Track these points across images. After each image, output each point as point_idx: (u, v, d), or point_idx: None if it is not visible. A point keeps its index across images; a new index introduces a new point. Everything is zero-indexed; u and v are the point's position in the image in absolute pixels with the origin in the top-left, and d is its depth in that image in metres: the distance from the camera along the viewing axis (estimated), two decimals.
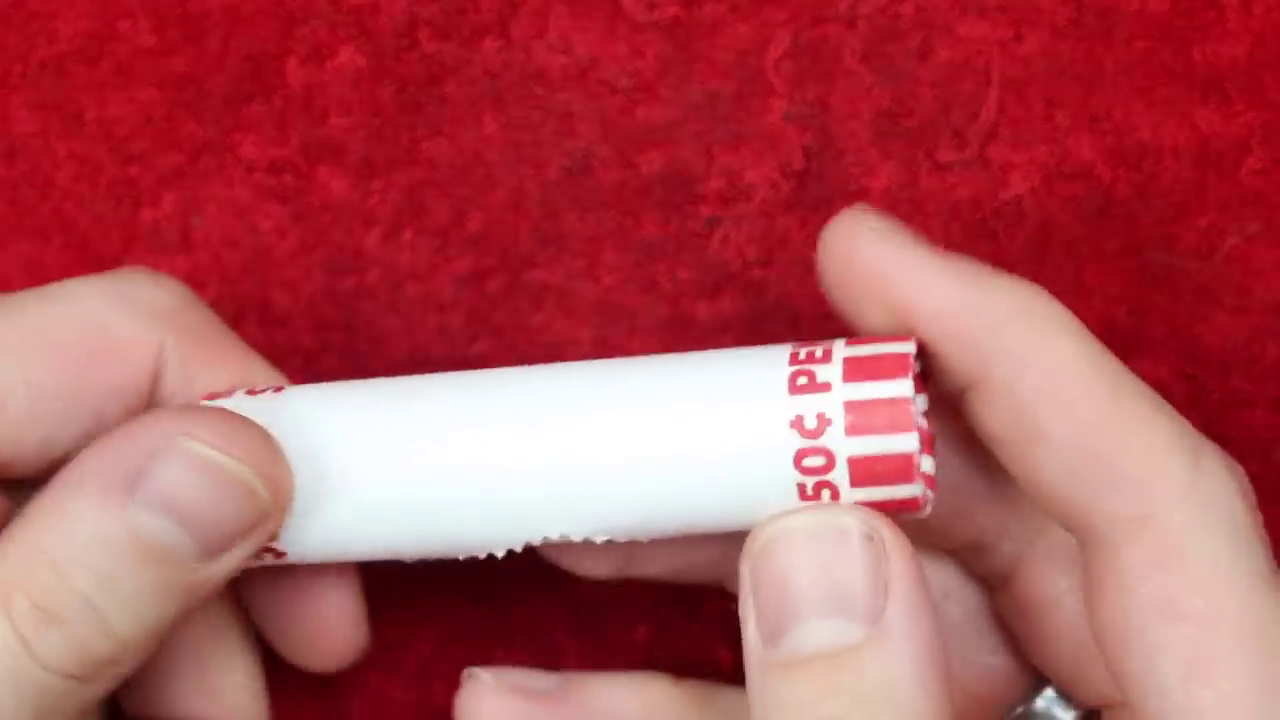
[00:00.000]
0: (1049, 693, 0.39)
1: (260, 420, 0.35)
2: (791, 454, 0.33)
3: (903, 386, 0.33)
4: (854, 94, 0.42)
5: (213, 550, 0.35)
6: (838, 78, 0.42)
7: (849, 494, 0.33)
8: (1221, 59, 0.42)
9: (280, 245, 0.43)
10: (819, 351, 0.34)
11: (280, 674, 0.43)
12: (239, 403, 0.36)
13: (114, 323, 0.38)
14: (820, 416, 0.33)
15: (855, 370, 0.33)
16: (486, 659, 0.43)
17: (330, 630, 0.40)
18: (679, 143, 0.42)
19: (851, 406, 0.33)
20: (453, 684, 0.43)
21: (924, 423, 0.34)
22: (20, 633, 0.34)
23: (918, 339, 0.34)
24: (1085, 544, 0.34)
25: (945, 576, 0.39)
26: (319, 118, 0.43)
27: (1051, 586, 0.37)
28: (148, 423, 0.35)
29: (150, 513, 0.34)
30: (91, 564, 0.34)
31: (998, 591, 0.38)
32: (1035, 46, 0.42)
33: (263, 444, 0.35)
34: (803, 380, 0.33)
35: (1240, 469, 0.34)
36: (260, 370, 0.39)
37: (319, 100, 0.43)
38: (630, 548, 0.38)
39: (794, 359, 0.34)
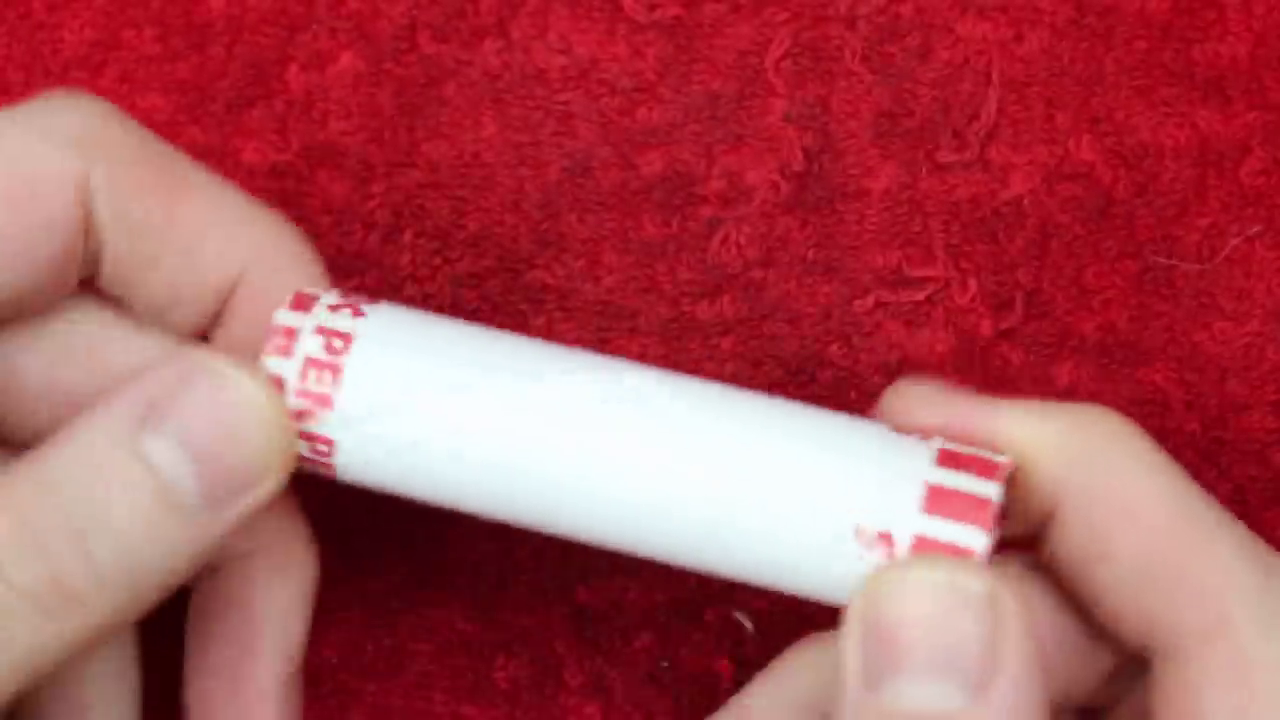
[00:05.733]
0: None
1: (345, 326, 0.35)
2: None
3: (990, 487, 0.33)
4: (854, 94, 0.42)
5: (215, 495, 0.33)
6: (838, 78, 0.42)
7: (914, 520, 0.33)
8: (1222, 59, 0.42)
9: None
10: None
11: None
12: (319, 315, 0.35)
13: (31, 156, 0.35)
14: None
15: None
16: (486, 669, 0.43)
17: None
18: (679, 143, 0.42)
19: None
20: (452, 693, 0.43)
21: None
22: None
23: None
24: (1156, 658, 0.34)
25: None
26: (319, 121, 0.43)
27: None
28: (173, 358, 0.34)
29: (160, 441, 0.33)
30: (87, 488, 0.32)
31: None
32: (1035, 47, 0.42)
33: (277, 401, 0.34)
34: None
35: None
36: (206, 189, 0.36)
37: (319, 104, 0.43)
38: None
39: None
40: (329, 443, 0.35)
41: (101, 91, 0.43)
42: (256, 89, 0.43)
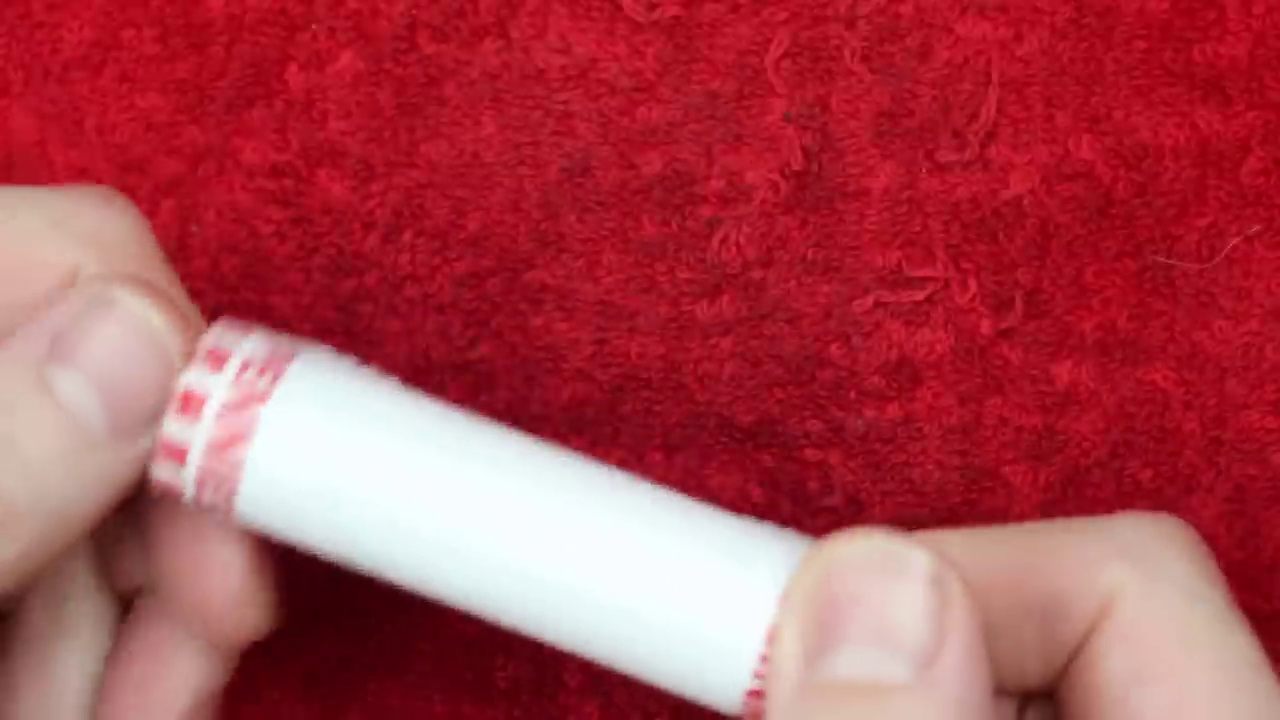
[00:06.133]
0: None
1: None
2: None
3: None
4: (854, 94, 0.42)
5: (121, 425, 0.33)
6: (838, 78, 0.42)
7: None
8: (1222, 59, 0.42)
9: (280, 249, 0.43)
10: None
11: (280, 682, 0.43)
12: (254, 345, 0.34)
13: (34, 239, 0.35)
14: None
15: None
16: (486, 669, 0.43)
17: (221, 598, 0.37)
18: (679, 143, 0.42)
19: None
20: (452, 693, 0.43)
21: None
22: None
23: None
24: (1071, 660, 0.34)
25: None
26: (319, 121, 0.43)
27: None
28: (80, 289, 0.34)
29: (66, 373, 0.33)
30: None
31: None
32: (1035, 46, 0.42)
33: (180, 330, 0.34)
34: None
35: (1178, 521, 0.34)
36: None
37: (319, 104, 0.43)
38: None
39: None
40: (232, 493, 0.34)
41: (101, 91, 0.43)
42: (256, 89, 0.43)
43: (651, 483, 0.34)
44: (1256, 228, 0.42)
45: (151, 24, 0.43)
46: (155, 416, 0.34)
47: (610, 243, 0.42)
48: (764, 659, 0.33)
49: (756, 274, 0.42)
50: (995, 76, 0.42)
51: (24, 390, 0.33)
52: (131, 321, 0.33)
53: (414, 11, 0.43)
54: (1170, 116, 0.42)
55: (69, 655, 0.38)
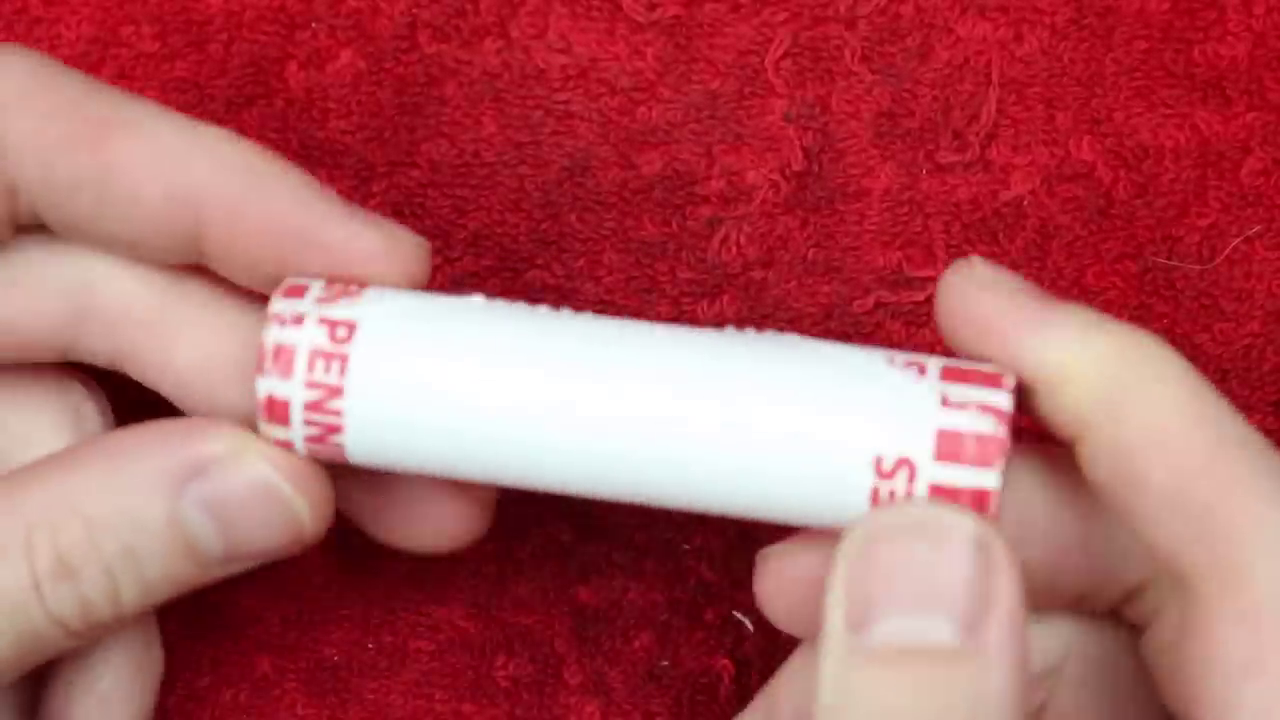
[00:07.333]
0: None
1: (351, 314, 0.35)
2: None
3: (999, 397, 0.33)
4: (854, 94, 0.42)
5: (238, 559, 0.36)
6: (838, 78, 0.42)
7: (929, 468, 0.33)
8: (1222, 60, 0.42)
9: None
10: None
11: (280, 682, 0.43)
12: (312, 307, 0.35)
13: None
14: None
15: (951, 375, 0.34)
16: (487, 668, 0.43)
17: (445, 506, 0.39)
18: (679, 143, 0.42)
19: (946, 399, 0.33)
20: (453, 692, 0.43)
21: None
22: (36, 575, 0.34)
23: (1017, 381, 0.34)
24: (1182, 593, 0.33)
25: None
26: (319, 120, 0.43)
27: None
28: (223, 426, 0.36)
29: (196, 511, 0.35)
30: (124, 536, 0.35)
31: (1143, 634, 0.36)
32: (1035, 47, 0.42)
33: (322, 484, 0.36)
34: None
35: None
36: (139, 125, 0.36)
37: (319, 103, 0.43)
38: None
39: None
40: (339, 429, 0.35)
41: None
42: (256, 87, 0.43)
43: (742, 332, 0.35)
44: (1257, 228, 0.42)
45: (150, 21, 0.43)
46: (264, 553, 0.36)
47: (611, 242, 0.42)
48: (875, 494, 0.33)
49: (757, 274, 0.42)
50: (995, 77, 0.42)
51: (156, 512, 0.35)
52: (263, 482, 0.36)
53: (414, 11, 0.43)
54: (1170, 117, 0.42)
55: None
